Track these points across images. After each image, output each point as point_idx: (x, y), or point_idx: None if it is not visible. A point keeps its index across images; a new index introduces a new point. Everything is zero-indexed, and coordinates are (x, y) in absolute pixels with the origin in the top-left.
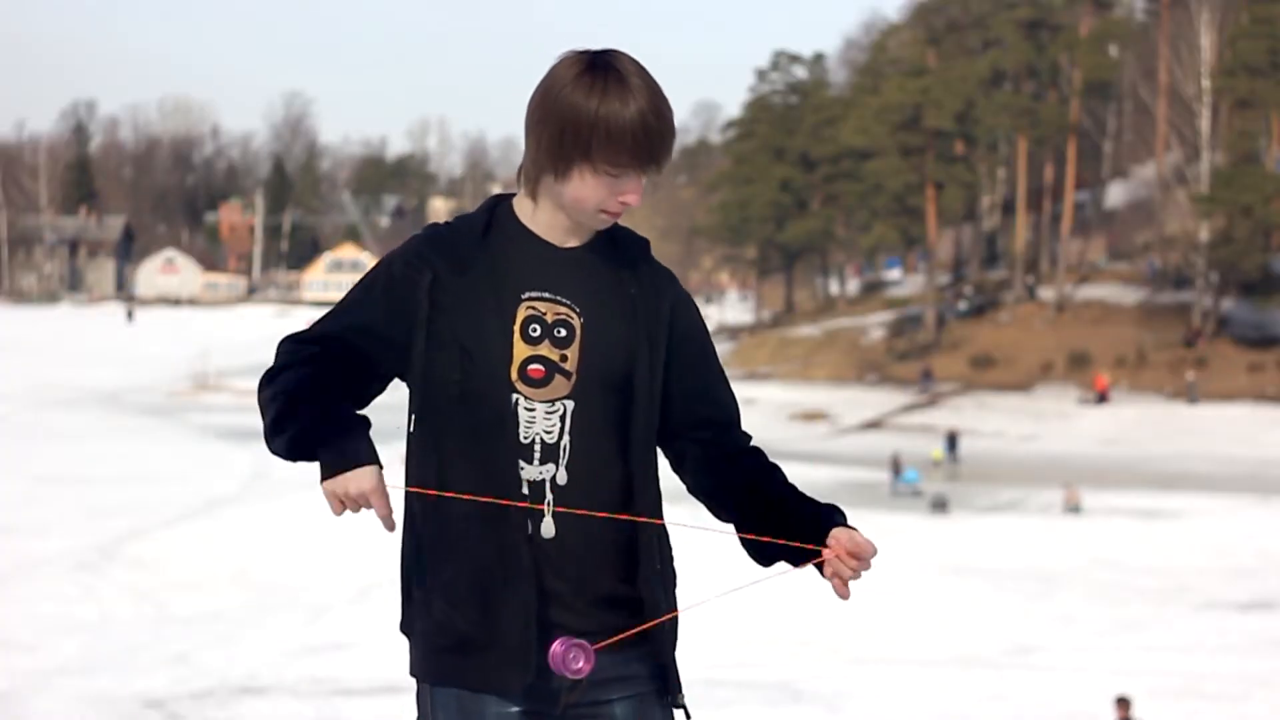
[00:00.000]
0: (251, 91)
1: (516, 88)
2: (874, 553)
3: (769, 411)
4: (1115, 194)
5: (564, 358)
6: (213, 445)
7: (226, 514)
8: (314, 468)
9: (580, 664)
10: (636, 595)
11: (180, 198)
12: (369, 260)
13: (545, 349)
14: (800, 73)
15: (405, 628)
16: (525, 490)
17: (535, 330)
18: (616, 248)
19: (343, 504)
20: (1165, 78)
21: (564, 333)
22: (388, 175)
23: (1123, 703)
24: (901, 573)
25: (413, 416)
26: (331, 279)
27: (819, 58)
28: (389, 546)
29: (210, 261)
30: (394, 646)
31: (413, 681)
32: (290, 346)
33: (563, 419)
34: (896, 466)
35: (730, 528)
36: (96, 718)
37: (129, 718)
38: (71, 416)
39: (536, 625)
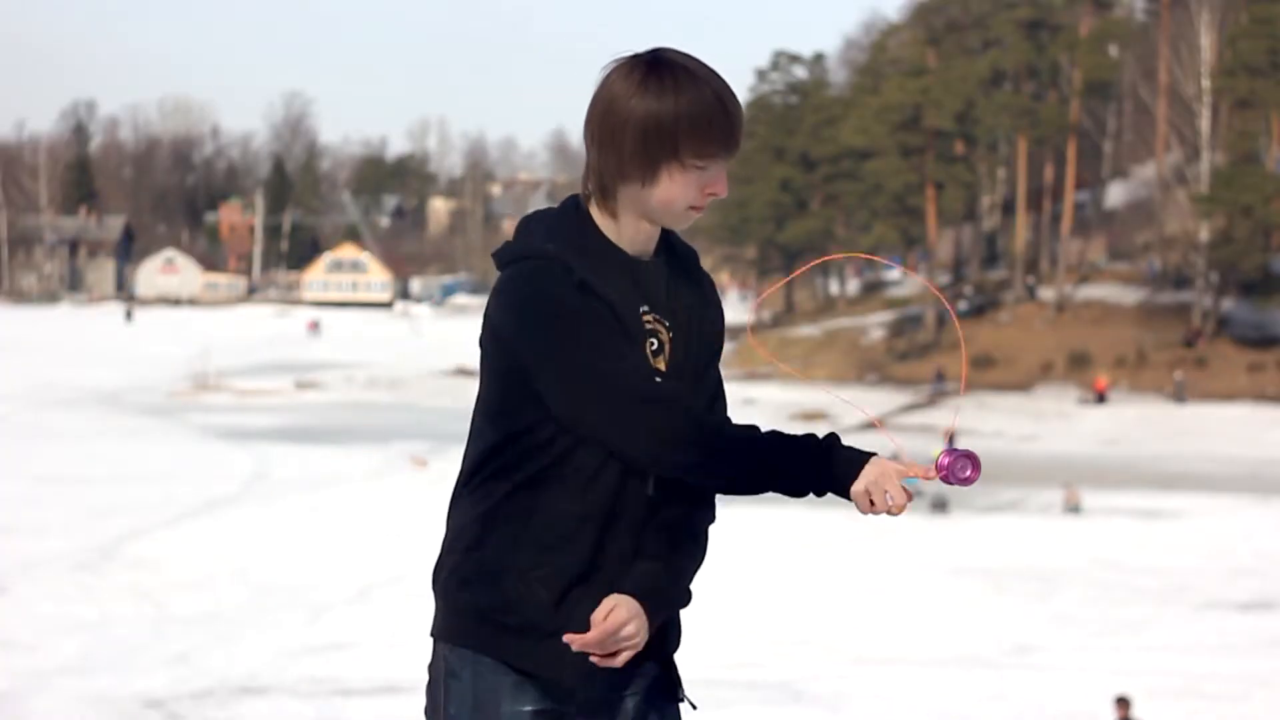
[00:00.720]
0: (251, 91)
1: (516, 88)
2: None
3: (769, 411)
4: (1115, 194)
5: (658, 371)
6: (213, 445)
7: (226, 514)
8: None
9: (968, 472)
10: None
11: (180, 198)
12: (369, 260)
13: (659, 364)
14: (800, 73)
15: (445, 587)
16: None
17: (653, 345)
18: (676, 256)
19: (871, 502)
20: (1165, 78)
21: (656, 345)
22: (388, 175)
23: (1123, 703)
24: (901, 573)
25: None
26: (331, 279)
27: (819, 58)
28: (389, 547)
29: (210, 261)
30: (394, 646)
31: (413, 681)
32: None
33: None
34: None
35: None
36: (96, 718)
37: (129, 718)
38: (71, 416)
39: None
